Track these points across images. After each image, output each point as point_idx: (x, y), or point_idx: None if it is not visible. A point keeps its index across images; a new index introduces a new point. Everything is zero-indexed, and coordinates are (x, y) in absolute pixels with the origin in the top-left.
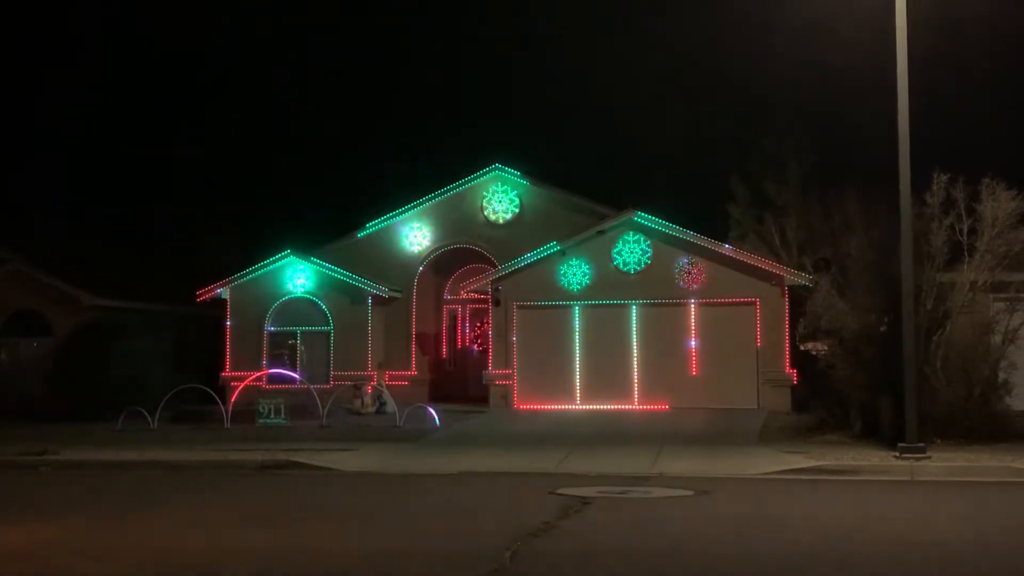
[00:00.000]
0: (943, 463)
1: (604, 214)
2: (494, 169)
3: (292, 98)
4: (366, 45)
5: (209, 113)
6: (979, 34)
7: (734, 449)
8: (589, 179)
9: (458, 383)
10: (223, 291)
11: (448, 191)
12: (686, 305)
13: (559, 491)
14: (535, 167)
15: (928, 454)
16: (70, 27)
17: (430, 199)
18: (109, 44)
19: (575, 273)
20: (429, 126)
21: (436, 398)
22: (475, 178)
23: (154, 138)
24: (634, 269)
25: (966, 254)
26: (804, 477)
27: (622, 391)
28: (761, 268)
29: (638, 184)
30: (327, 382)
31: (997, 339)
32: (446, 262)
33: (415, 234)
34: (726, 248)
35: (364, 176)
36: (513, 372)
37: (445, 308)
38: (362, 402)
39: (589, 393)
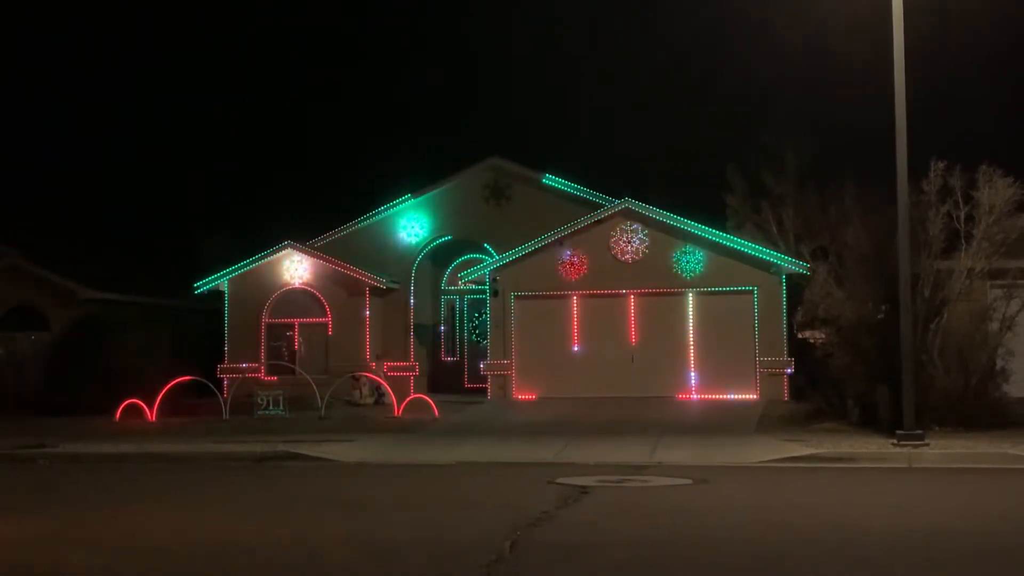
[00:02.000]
0: (941, 450)
1: (602, 204)
2: (492, 159)
3: (291, 91)
4: (366, 39)
5: (207, 107)
6: (976, 22)
7: (732, 437)
8: (587, 169)
9: (456, 374)
10: (221, 283)
11: (446, 182)
12: (683, 293)
13: (558, 481)
14: (533, 158)
15: (926, 441)
16: (69, 26)
17: (428, 190)
18: (108, 42)
19: (573, 263)
20: (428, 117)
21: (434, 389)
22: (473, 169)
23: (152, 131)
24: (631, 258)
25: (963, 242)
26: (802, 465)
27: (620, 380)
28: (759, 257)
29: (636, 174)
30: (325, 373)
31: (994, 326)
32: (444, 253)
33: (413, 225)
34: (724, 237)
35: (362, 167)
36: (511, 362)
37: (443, 299)
38: (360, 393)
39: (587, 383)
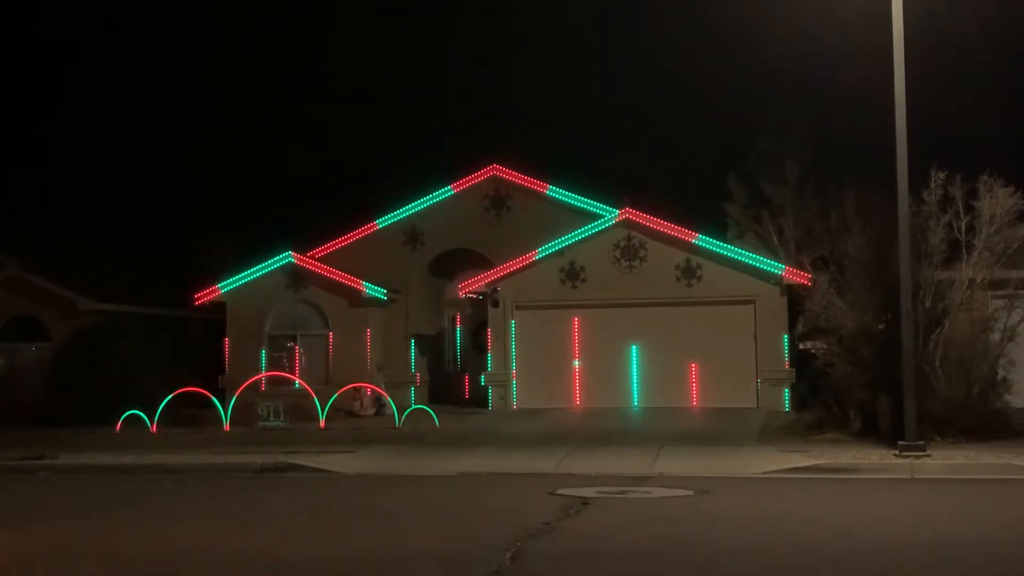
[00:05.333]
0: (943, 461)
1: (602, 214)
2: (492, 169)
3: (293, 99)
4: (364, 44)
5: (208, 115)
6: (976, 31)
7: (733, 448)
8: (588, 179)
9: (457, 384)
10: (221, 294)
11: (446, 192)
12: (684, 304)
13: (559, 491)
14: (533, 167)
15: (928, 452)
16: (69, 27)
17: (428, 200)
18: (109, 44)
19: (573, 273)
20: (428, 125)
21: (435, 399)
22: (473, 178)
23: (153, 140)
24: (631, 268)
25: (964, 252)
26: (804, 476)
27: (620, 391)
28: (759, 267)
29: (636, 184)
30: (326, 384)
31: (996, 336)
32: (445, 264)
33: (413, 235)
34: (724, 247)
35: (363, 177)
36: (512, 373)
37: (444, 309)
38: (361, 404)
39: (588, 393)
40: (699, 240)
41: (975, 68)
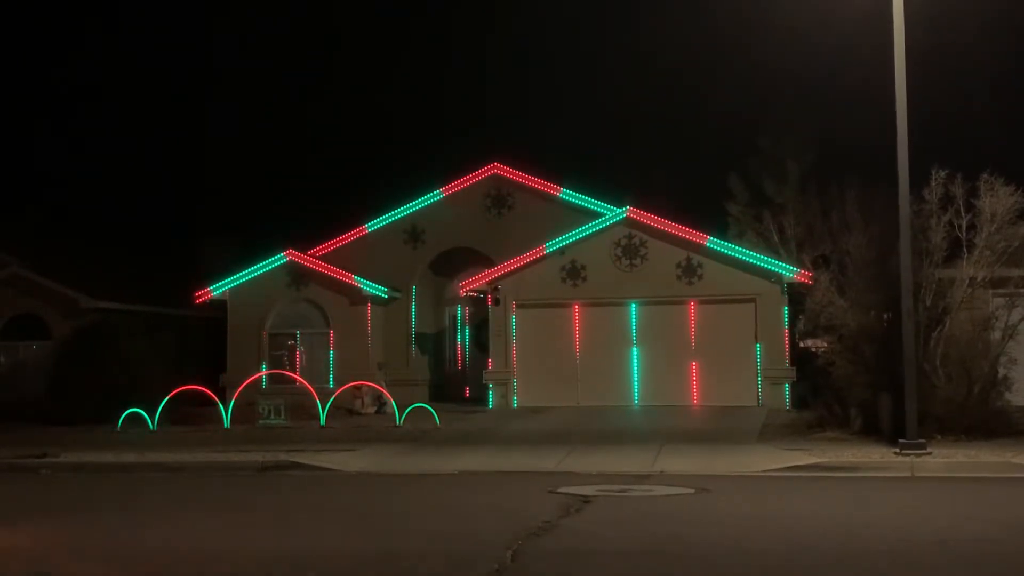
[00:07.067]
0: (943, 459)
1: (603, 212)
2: (493, 168)
3: (293, 98)
4: (365, 45)
5: (209, 113)
6: (977, 30)
7: (734, 447)
8: (588, 177)
9: (458, 383)
10: (222, 292)
11: (447, 190)
12: (685, 302)
13: (560, 490)
14: (534, 166)
15: (928, 450)
16: (70, 27)
17: (429, 199)
18: (109, 44)
19: (574, 271)
20: (427, 126)
21: (436, 398)
22: (473, 177)
23: (153, 140)
24: (632, 267)
25: (965, 250)
26: (805, 474)
27: (621, 389)
28: (760, 266)
29: (637, 182)
30: (327, 383)
31: (996, 335)
32: (445, 262)
33: (414, 234)
34: (725, 245)
35: (363, 176)
36: (513, 371)
37: (445, 308)
38: (362, 402)
39: (589, 391)
40: (699, 239)
41: (976, 67)
